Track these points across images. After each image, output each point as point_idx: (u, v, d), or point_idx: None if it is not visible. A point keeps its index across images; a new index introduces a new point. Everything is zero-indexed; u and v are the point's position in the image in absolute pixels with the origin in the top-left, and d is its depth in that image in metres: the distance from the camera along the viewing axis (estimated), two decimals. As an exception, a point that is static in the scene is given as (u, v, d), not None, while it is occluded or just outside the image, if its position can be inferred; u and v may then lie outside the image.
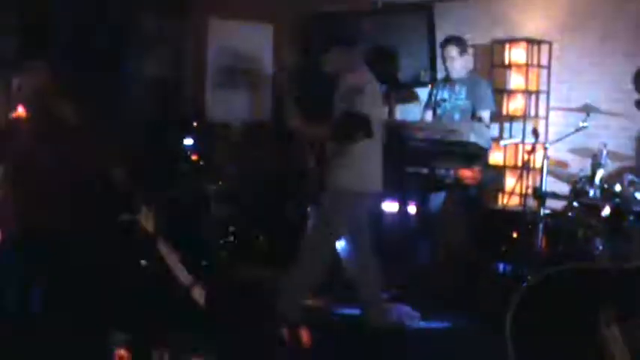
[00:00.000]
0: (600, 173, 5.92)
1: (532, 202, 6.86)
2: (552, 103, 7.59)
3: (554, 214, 6.45)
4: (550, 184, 6.46)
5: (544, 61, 7.62)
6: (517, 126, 7.62)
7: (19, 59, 5.51)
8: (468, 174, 6.54)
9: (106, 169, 6.34)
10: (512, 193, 6.99)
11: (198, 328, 4.74)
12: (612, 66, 6.99)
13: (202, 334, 5.03)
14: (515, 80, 7.67)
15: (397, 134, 6.56)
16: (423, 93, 7.92)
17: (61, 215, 4.63)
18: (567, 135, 6.54)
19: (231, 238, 6.80)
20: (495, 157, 7.60)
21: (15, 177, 4.51)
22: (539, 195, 6.30)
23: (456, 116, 6.99)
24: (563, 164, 7.11)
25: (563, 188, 6.53)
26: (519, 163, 7.40)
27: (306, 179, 6.12)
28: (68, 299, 4.91)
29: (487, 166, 7.03)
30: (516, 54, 7.64)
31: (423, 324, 6.04)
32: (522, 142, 7.42)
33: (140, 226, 5.53)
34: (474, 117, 6.91)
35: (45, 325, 4.65)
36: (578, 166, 6.43)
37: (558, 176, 6.73)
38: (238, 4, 8.26)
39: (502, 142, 7.34)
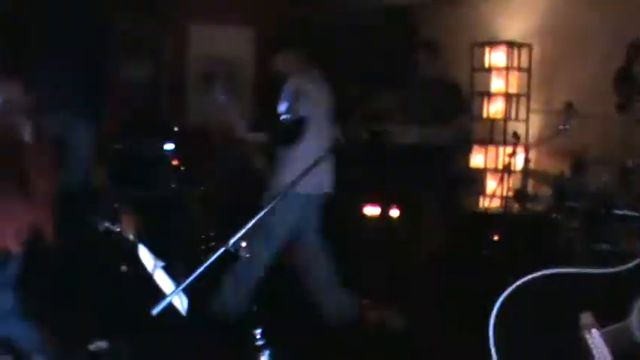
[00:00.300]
0: (581, 175, 5.94)
1: (513, 205, 6.87)
2: (532, 106, 7.62)
3: (536, 216, 6.46)
4: (531, 187, 6.48)
5: (524, 64, 7.65)
6: (498, 128, 7.64)
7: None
8: None
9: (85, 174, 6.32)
10: (493, 195, 7.01)
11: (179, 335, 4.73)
12: (591, 69, 7.02)
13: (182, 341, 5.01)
14: (496, 83, 7.70)
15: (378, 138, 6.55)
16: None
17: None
18: (547, 137, 6.56)
19: (213, 244, 6.77)
20: (476, 160, 7.62)
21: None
22: (521, 197, 6.32)
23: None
24: (544, 166, 7.14)
25: (545, 190, 6.55)
26: (500, 166, 7.42)
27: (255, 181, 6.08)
28: (47, 306, 4.87)
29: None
30: (496, 57, 7.67)
31: (404, 326, 6.03)
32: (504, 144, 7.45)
33: (120, 233, 5.50)
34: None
35: (23, 330, 4.60)
36: (559, 168, 6.44)
37: (539, 178, 6.75)
38: (219, 9, 8.24)
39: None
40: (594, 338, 2.64)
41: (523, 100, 7.67)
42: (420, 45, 7.13)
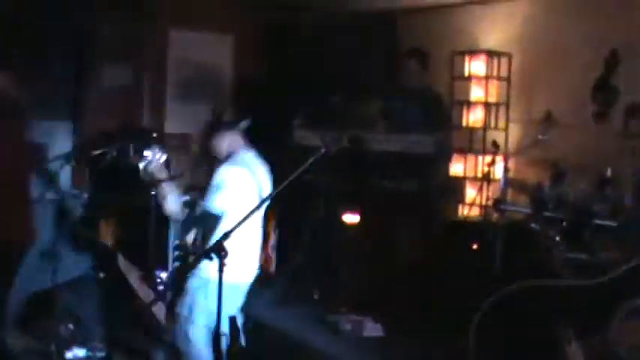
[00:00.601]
0: (559, 184, 5.97)
1: (493, 214, 6.89)
2: (512, 115, 7.64)
3: (515, 225, 6.48)
4: (510, 196, 6.50)
5: (504, 73, 7.68)
6: (477, 137, 7.66)
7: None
8: None
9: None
10: (472, 204, 7.02)
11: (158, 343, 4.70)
12: (570, 78, 7.05)
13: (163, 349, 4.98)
14: (475, 92, 7.72)
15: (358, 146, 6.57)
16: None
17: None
18: (527, 147, 6.59)
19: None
20: (456, 169, 7.63)
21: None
22: (500, 206, 6.34)
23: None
24: (523, 175, 7.16)
25: (524, 200, 6.57)
26: (479, 175, 7.44)
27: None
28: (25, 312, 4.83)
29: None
30: (476, 66, 7.69)
31: (383, 336, 6.03)
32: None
33: (98, 240, 5.48)
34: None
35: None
36: (538, 177, 6.47)
37: (518, 188, 6.77)
38: (199, 15, 8.21)
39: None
40: (573, 351, 2.64)
41: (502, 109, 7.68)
42: (409, 54, 7.14)
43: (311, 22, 8.46)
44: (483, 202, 7.21)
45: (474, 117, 7.72)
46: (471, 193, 7.54)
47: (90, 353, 4.84)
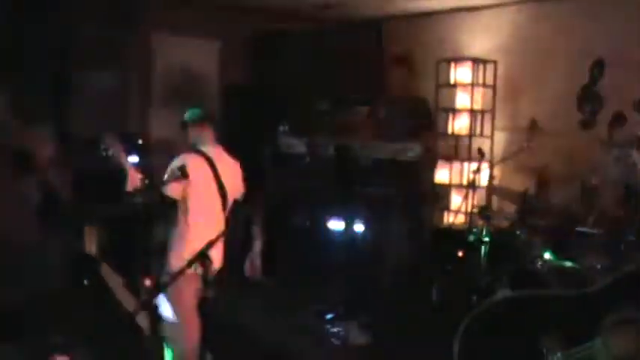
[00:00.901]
0: (544, 192, 5.98)
1: (478, 221, 6.89)
2: (497, 123, 7.66)
3: (500, 232, 6.48)
4: (496, 203, 6.50)
5: (489, 81, 7.70)
6: (462, 144, 7.68)
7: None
8: None
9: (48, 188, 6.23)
10: (458, 211, 7.03)
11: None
12: (556, 86, 7.08)
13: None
14: (461, 99, 7.74)
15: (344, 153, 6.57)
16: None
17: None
18: (512, 154, 6.60)
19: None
20: (441, 176, 7.64)
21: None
22: (485, 214, 6.34)
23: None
24: (508, 183, 7.17)
25: (509, 207, 6.58)
26: (465, 182, 7.45)
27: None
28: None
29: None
30: (462, 73, 7.71)
31: (370, 342, 6.01)
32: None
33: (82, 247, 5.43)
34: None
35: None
36: (523, 184, 6.47)
37: (504, 195, 6.77)
38: (185, 20, 8.20)
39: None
40: (559, 361, 2.64)
41: (488, 116, 7.70)
42: (395, 62, 7.14)
43: (298, 29, 8.46)
44: (468, 209, 7.21)
45: (460, 124, 7.73)
46: (456, 200, 7.55)
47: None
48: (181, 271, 3.23)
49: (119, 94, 8.05)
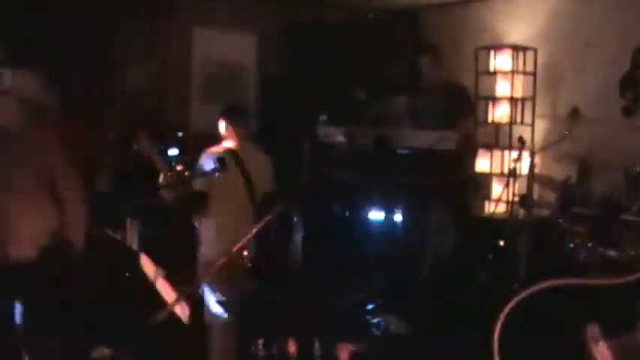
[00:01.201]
0: (587, 180, 5.91)
1: (519, 210, 6.83)
2: (538, 110, 7.57)
3: (541, 221, 6.42)
4: (536, 192, 6.43)
5: (529, 68, 7.60)
6: (503, 133, 7.60)
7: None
8: None
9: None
10: (498, 200, 6.96)
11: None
12: (597, 73, 6.97)
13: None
14: (501, 87, 7.66)
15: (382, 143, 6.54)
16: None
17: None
18: (553, 142, 6.52)
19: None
20: (482, 165, 7.58)
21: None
22: (526, 203, 6.28)
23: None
24: (549, 171, 7.09)
25: (550, 195, 6.51)
26: (505, 171, 7.37)
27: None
28: (49, 313, 4.85)
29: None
30: (501, 61, 7.63)
31: (410, 332, 5.99)
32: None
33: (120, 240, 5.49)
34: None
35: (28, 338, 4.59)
36: (565, 173, 6.40)
37: (545, 184, 6.70)
38: (222, 12, 8.22)
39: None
40: (601, 350, 2.60)
41: (528, 104, 7.61)
42: (423, 50, 7.08)
43: (334, 19, 8.44)
44: (509, 199, 7.13)
45: (500, 112, 7.66)
46: (497, 189, 7.48)
47: (114, 352, 4.86)
48: (218, 266, 3.25)
49: (158, 88, 8.10)
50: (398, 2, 8.31)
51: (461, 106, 6.87)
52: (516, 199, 6.88)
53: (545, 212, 6.51)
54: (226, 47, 8.45)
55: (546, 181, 6.64)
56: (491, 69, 7.68)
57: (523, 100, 7.63)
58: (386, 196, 7.04)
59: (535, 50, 7.54)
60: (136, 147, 4.75)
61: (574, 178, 6.10)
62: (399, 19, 8.56)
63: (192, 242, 5.14)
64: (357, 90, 7.63)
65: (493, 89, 7.69)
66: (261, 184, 5.13)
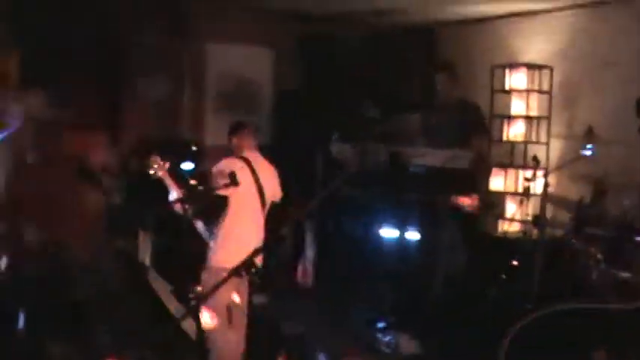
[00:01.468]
0: (601, 201, 5.86)
1: (532, 230, 6.78)
2: (553, 129, 7.53)
3: (555, 241, 6.36)
4: (550, 212, 6.38)
5: (545, 87, 7.57)
6: (518, 151, 7.56)
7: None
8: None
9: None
10: (512, 219, 6.92)
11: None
12: (614, 92, 6.93)
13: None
14: (516, 106, 7.62)
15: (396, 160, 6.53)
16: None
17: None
18: (568, 162, 6.48)
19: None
20: (496, 184, 7.54)
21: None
22: (539, 222, 6.22)
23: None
24: (564, 191, 7.03)
25: (564, 216, 6.45)
26: (519, 190, 7.33)
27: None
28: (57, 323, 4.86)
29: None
30: (517, 79, 7.60)
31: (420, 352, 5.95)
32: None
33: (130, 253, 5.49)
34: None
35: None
36: (579, 193, 6.35)
37: (559, 203, 6.65)
38: (237, 28, 8.24)
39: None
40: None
41: (544, 123, 7.57)
42: (439, 68, 7.07)
43: (350, 35, 8.44)
44: (523, 218, 7.09)
45: (515, 131, 7.62)
46: (511, 208, 7.44)
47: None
48: (227, 279, 3.23)
49: (173, 102, 8.12)
50: (413, 19, 8.30)
51: (475, 125, 6.84)
52: (530, 218, 6.84)
53: (558, 232, 6.46)
54: (241, 61, 8.46)
55: (560, 201, 6.59)
56: (507, 87, 7.65)
57: (538, 118, 7.59)
58: (399, 213, 7.00)
59: (551, 69, 7.51)
60: (152, 172, 4.91)
61: (588, 199, 6.05)
62: (414, 36, 8.55)
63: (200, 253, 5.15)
64: (370, 106, 7.62)
65: (508, 107, 7.66)
66: (270, 193, 5.29)
